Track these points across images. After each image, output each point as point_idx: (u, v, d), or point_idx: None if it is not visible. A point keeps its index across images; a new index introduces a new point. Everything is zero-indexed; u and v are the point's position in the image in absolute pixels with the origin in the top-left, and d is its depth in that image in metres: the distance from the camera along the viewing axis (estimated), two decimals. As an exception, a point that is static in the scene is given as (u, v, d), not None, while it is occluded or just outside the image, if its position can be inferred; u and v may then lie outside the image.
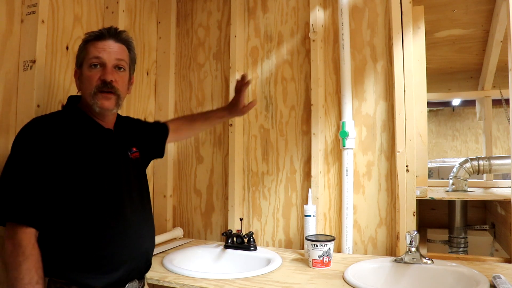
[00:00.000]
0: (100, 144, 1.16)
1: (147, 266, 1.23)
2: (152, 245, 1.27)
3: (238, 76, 1.86)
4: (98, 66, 1.14)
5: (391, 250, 1.60)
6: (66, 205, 1.06)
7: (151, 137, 1.45)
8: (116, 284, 1.10)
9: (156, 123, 1.54)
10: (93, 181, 1.10)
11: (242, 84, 1.52)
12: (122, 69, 1.19)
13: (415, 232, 1.38)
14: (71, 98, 1.22)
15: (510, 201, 1.67)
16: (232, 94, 1.85)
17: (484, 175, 2.62)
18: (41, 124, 1.10)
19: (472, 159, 2.36)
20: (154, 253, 1.41)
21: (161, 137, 1.51)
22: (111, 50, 1.15)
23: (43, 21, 1.36)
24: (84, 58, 1.16)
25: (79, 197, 1.07)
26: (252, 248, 1.62)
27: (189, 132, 1.64)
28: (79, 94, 1.22)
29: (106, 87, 1.13)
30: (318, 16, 1.75)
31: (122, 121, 1.33)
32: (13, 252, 0.98)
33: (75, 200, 1.06)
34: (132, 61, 1.25)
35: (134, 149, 1.28)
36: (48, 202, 1.03)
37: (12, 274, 0.96)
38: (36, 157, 1.03)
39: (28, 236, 1.00)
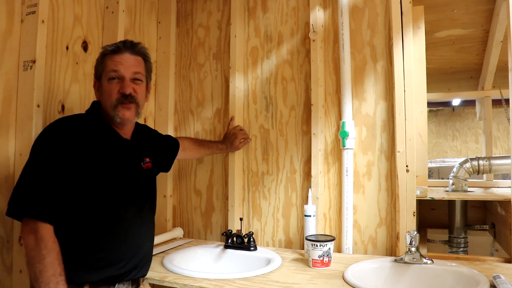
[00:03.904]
0: (116, 153, 1.20)
1: (141, 270, 1.25)
2: (148, 250, 1.29)
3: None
4: (116, 79, 1.18)
5: (391, 250, 1.60)
6: (74, 206, 1.09)
7: (163, 151, 1.52)
8: (106, 281, 1.13)
9: (169, 137, 1.62)
10: (102, 187, 1.14)
11: (242, 135, 1.80)
12: (139, 81, 1.23)
13: (415, 232, 1.38)
14: (94, 103, 1.26)
15: (510, 201, 1.66)
16: (232, 95, 1.86)
17: (484, 175, 2.62)
18: (64, 126, 1.13)
19: (472, 159, 2.36)
20: (154, 253, 1.41)
21: (172, 152, 1.59)
22: (128, 64, 1.19)
23: (43, 21, 1.36)
24: (102, 71, 1.20)
25: (86, 201, 1.11)
26: (252, 248, 1.62)
27: (195, 154, 1.76)
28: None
29: (127, 100, 1.18)
30: (318, 16, 1.75)
31: (140, 129, 1.37)
32: (35, 246, 1.00)
33: (81, 203, 1.10)
34: (148, 71, 1.29)
35: (147, 159, 1.32)
36: (63, 201, 1.06)
37: (36, 267, 0.99)
38: (57, 157, 1.06)
39: (49, 231, 1.03)
